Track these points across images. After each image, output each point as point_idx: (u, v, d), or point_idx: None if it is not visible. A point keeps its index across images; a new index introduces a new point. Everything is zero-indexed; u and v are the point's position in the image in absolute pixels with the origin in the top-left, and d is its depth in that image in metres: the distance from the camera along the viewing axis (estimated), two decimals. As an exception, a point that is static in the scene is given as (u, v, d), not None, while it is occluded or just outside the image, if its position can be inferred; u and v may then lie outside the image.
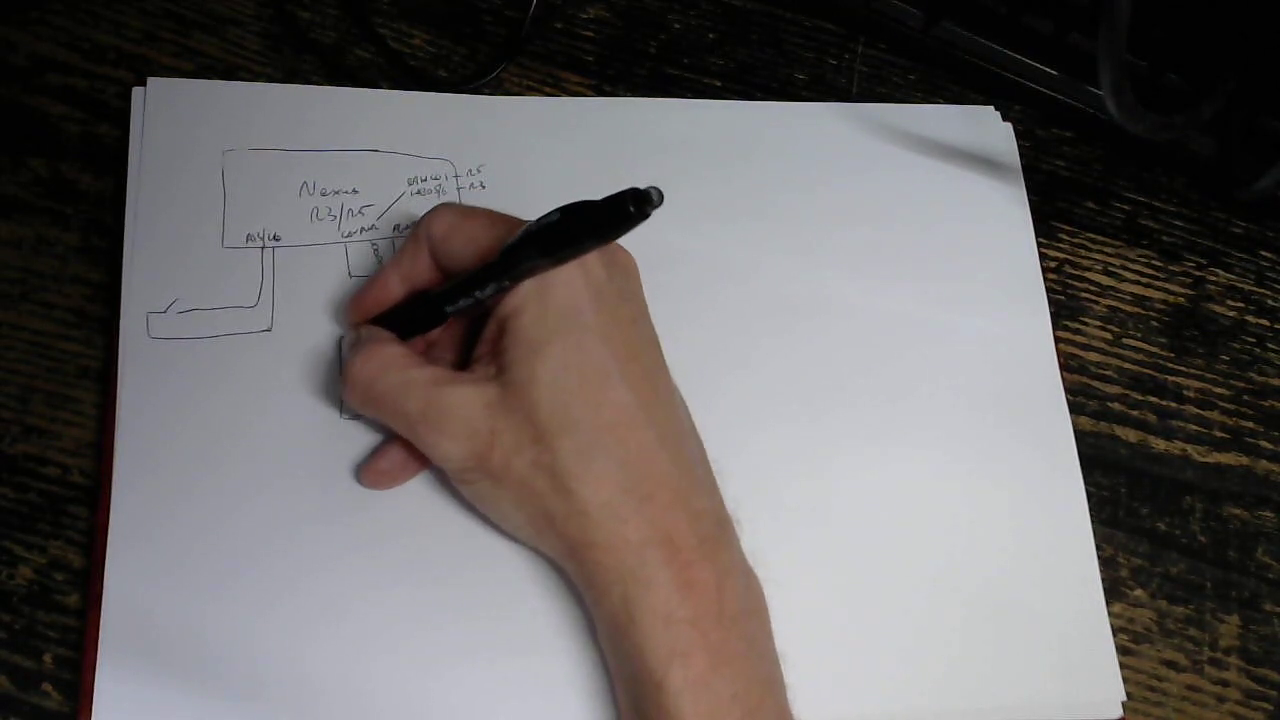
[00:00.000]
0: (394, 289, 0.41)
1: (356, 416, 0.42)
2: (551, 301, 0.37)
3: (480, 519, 0.41)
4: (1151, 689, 0.44)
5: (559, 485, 0.37)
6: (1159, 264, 0.53)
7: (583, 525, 0.37)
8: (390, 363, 0.38)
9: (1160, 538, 0.47)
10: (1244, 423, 0.49)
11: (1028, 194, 0.52)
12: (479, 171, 0.47)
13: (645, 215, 0.36)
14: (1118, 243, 0.53)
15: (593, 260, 0.38)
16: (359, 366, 0.38)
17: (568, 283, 0.38)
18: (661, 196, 0.36)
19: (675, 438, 0.38)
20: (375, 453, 0.41)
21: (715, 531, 0.38)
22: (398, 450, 0.40)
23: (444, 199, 0.46)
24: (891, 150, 0.52)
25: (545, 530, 0.38)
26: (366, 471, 0.41)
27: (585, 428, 0.37)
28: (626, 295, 0.39)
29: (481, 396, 0.37)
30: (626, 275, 0.40)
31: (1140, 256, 0.53)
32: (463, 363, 0.40)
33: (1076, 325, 0.50)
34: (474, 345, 0.40)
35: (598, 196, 0.37)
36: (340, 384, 0.39)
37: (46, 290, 0.43)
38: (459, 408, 0.37)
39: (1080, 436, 0.47)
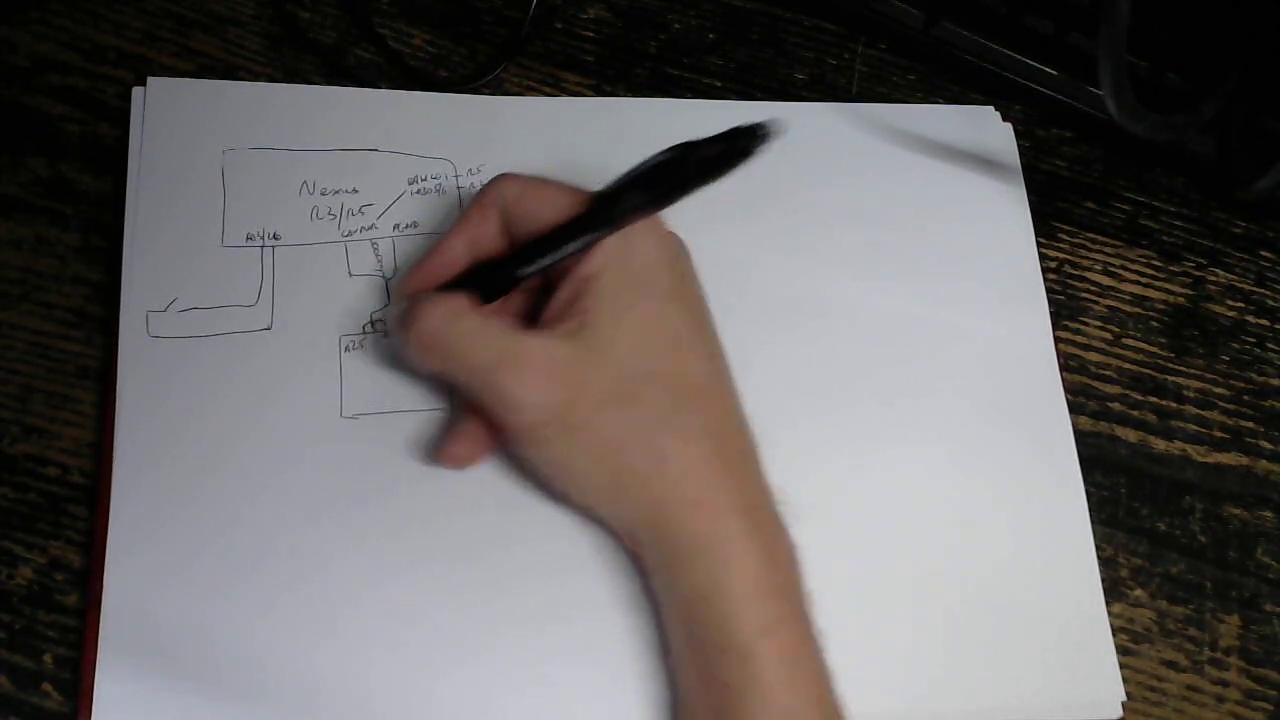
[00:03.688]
0: (459, 256, 0.40)
1: (356, 416, 0.42)
2: (633, 266, 0.38)
3: (481, 518, 0.41)
4: (1151, 689, 0.44)
5: (650, 443, 0.37)
6: (1159, 264, 0.53)
7: (674, 485, 0.36)
8: (461, 311, 0.37)
9: (1160, 538, 0.47)
10: (1244, 423, 0.49)
11: (1028, 194, 0.52)
12: (479, 171, 0.47)
13: (755, 151, 0.37)
14: (1118, 243, 0.53)
15: (666, 234, 0.39)
16: (427, 315, 0.37)
17: (646, 251, 0.38)
18: (771, 130, 0.37)
19: (741, 412, 0.39)
20: (448, 435, 0.40)
21: (781, 508, 0.38)
22: (471, 427, 0.39)
23: (445, 198, 0.46)
24: (891, 150, 0.52)
25: (627, 491, 0.37)
26: (444, 455, 0.40)
27: (671, 390, 0.37)
28: (690, 272, 0.40)
29: (564, 347, 0.37)
30: (687, 254, 0.41)
31: (1140, 256, 0.53)
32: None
33: (1076, 325, 0.50)
34: (537, 313, 0.39)
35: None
36: (401, 341, 0.38)
37: (46, 290, 0.43)
38: (540, 354, 0.37)
39: (1080, 437, 0.47)
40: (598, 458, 0.37)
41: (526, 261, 0.38)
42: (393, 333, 0.41)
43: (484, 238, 0.40)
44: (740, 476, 0.38)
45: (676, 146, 0.37)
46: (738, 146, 0.37)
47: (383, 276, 0.44)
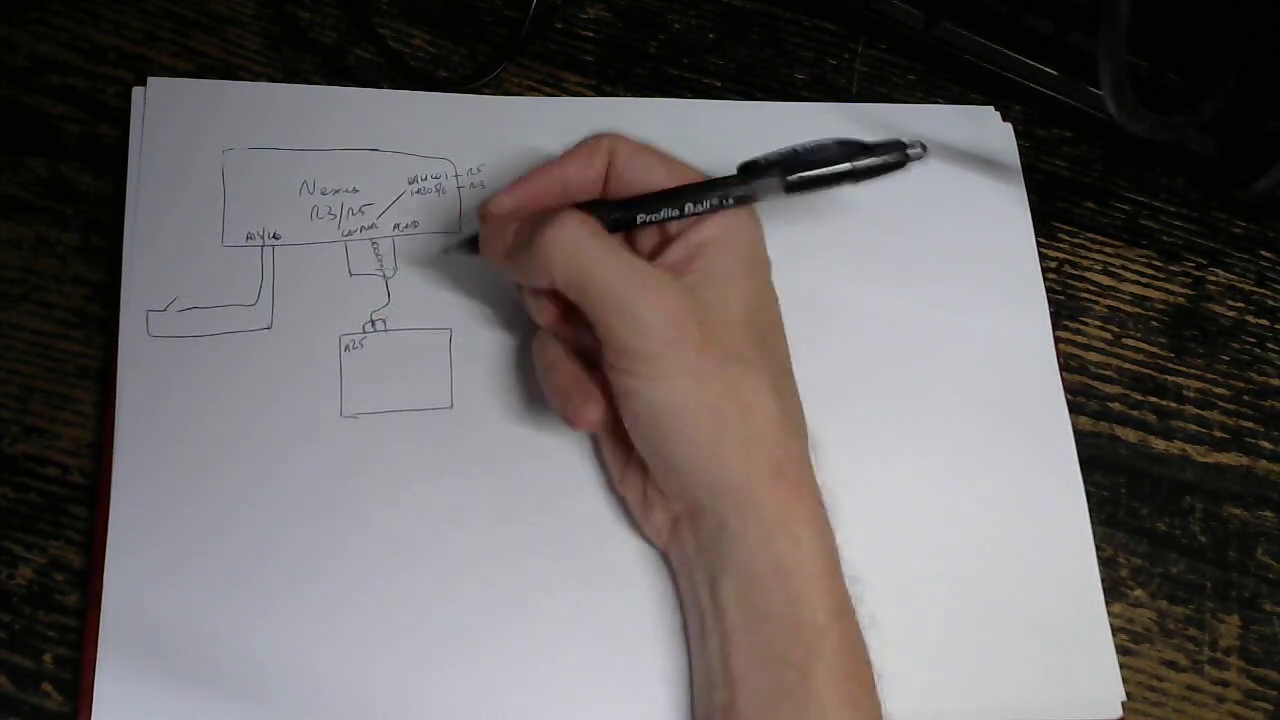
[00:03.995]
0: (554, 190, 0.39)
1: (356, 415, 0.42)
2: (742, 244, 0.39)
3: (481, 516, 0.41)
4: (1151, 689, 0.44)
5: (749, 406, 0.37)
6: (1159, 264, 0.53)
7: (764, 452, 0.37)
8: (597, 229, 0.37)
9: (1160, 538, 0.47)
10: (1244, 423, 0.49)
11: (1027, 194, 0.52)
12: (479, 171, 0.47)
13: (905, 167, 0.39)
14: (1118, 243, 0.53)
15: (760, 227, 0.40)
16: (565, 223, 0.36)
17: (753, 232, 0.40)
18: (925, 153, 0.39)
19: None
20: (577, 395, 0.39)
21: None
22: (590, 384, 0.39)
23: (445, 198, 0.46)
24: (891, 150, 0.52)
25: (722, 450, 0.36)
26: (580, 418, 0.39)
27: (769, 363, 0.38)
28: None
29: (689, 292, 0.37)
30: None
31: (1140, 256, 0.53)
32: None
33: (1076, 325, 0.50)
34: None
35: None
36: (526, 247, 0.37)
37: (46, 290, 0.43)
38: (674, 287, 0.37)
39: (1080, 437, 0.47)
40: (707, 407, 0.36)
41: (651, 210, 0.38)
42: (488, 251, 0.40)
43: (583, 181, 0.39)
44: (805, 454, 0.38)
45: (837, 141, 0.38)
46: (894, 160, 0.38)
47: (383, 276, 0.44)
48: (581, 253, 0.36)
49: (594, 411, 0.38)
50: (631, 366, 0.36)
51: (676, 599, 0.41)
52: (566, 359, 0.40)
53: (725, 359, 0.37)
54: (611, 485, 0.42)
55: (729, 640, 0.37)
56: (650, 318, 0.36)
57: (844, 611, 0.37)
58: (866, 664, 0.37)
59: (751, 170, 0.39)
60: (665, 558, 0.41)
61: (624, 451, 0.40)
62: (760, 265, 0.40)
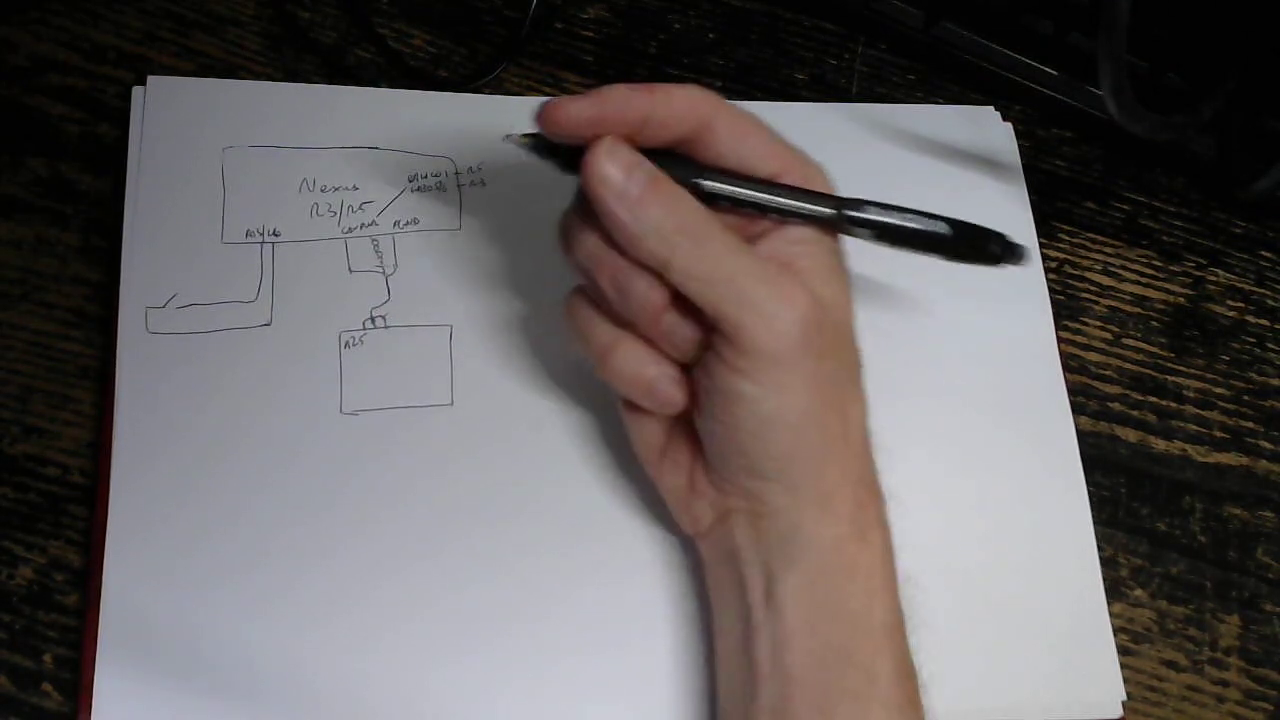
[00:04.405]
0: (630, 124, 0.35)
1: (356, 413, 0.42)
2: (832, 252, 0.37)
3: (480, 514, 0.41)
4: (1151, 689, 0.44)
5: (856, 417, 0.36)
6: (1159, 264, 0.53)
7: (864, 464, 0.36)
8: (703, 208, 0.34)
9: (1160, 538, 0.47)
10: (1244, 423, 0.49)
11: (1028, 194, 0.52)
12: (479, 169, 0.47)
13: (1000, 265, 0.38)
14: (1118, 243, 0.53)
15: None
16: (671, 190, 0.34)
17: (838, 246, 0.38)
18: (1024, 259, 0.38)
19: None
20: (660, 377, 0.36)
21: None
22: (672, 367, 0.36)
23: (445, 195, 0.46)
24: (891, 150, 0.52)
25: (824, 464, 0.35)
26: (665, 398, 0.36)
27: (855, 366, 0.37)
28: None
29: (812, 292, 0.35)
30: None
31: (1140, 256, 0.53)
32: None
33: (1076, 325, 0.50)
34: None
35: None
36: (628, 206, 0.34)
37: (46, 290, 0.43)
38: (792, 278, 0.34)
39: (1080, 436, 0.47)
40: (816, 419, 0.35)
41: (734, 184, 0.35)
42: (600, 173, 0.34)
43: (666, 130, 0.35)
44: (873, 454, 0.37)
45: (953, 221, 0.37)
46: (996, 253, 0.38)
47: (383, 273, 0.44)
48: (706, 236, 0.34)
49: (683, 395, 0.36)
50: (752, 370, 0.34)
51: (700, 592, 0.40)
52: (625, 335, 0.36)
53: (837, 365, 0.36)
54: (629, 471, 0.41)
55: (786, 640, 0.35)
56: (787, 321, 0.33)
57: (902, 614, 0.36)
58: (917, 666, 0.36)
59: (859, 205, 0.37)
60: (692, 546, 0.40)
61: (663, 436, 0.38)
62: (844, 273, 0.38)
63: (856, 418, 0.37)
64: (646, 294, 0.35)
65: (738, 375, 0.34)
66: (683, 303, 0.35)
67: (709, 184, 0.35)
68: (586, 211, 0.35)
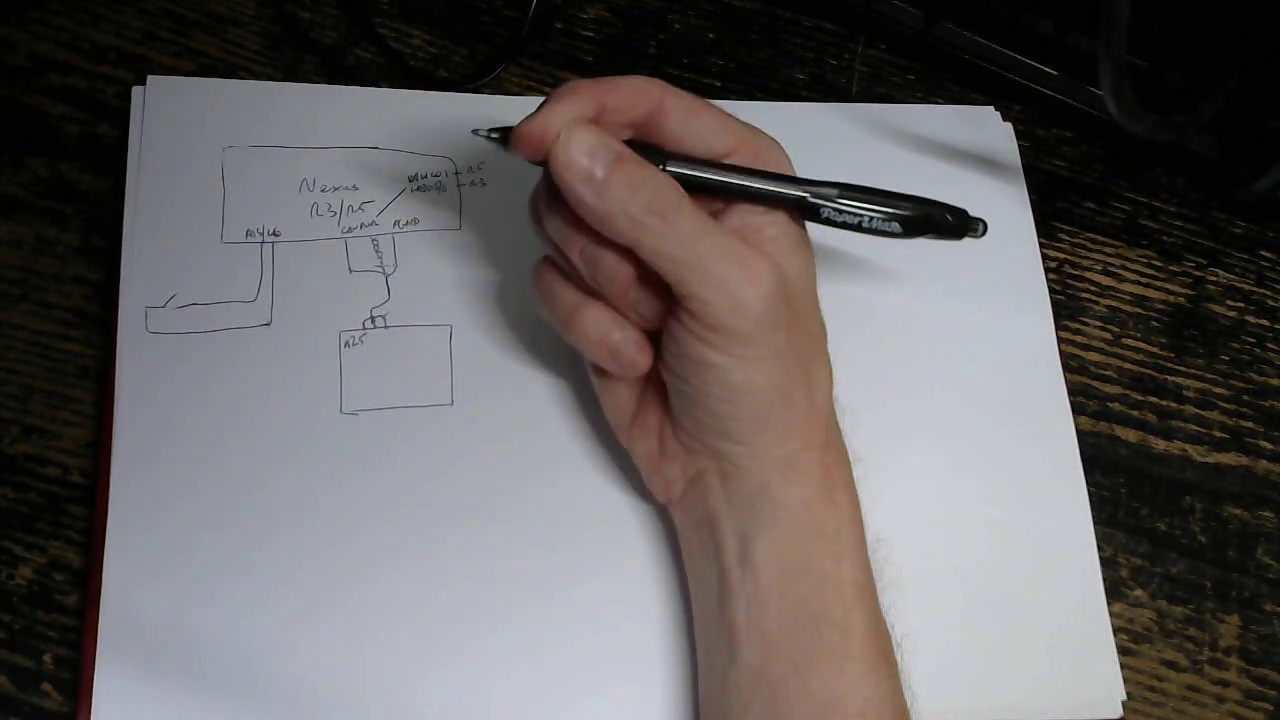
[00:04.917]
0: (587, 117, 0.36)
1: (356, 412, 0.42)
2: (800, 227, 0.38)
3: (480, 513, 0.41)
4: (1151, 689, 0.44)
5: (821, 383, 0.37)
6: (1159, 264, 0.53)
7: (818, 421, 0.37)
8: (673, 186, 0.35)
9: (1160, 538, 0.47)
10: (1244, 423, 0.49)
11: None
12: (480, 169, 0.47)
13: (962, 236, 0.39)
14: (1118, 243, 0.53)
15: None
16: (639, 170, 0.34)
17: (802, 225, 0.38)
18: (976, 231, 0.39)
19: None
20: (623, 342, 0.37)
21: None
22: (633, 327, 0.37)
23: (445, 195, 0.46)
24: (891, 150, 0.52)
25: (788, 428, 0.36)
26: (628, 363, 0.37)
27: (818, 333, 0.38)
28: None
29: (777, 266, 0.35)
30: None
31: (1140, 256, 0.53)
32: None
33: (1076, 325, 0.50)
34: None
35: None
36: (610, 186, 0.34)
37: (46, 290, 0.43)
38: (767, 263, 0.35)
39: (1080, 436, 0.47)
40: (781, 388, 0.36)
41: (699, 169, 0.36)
42: (566, 157, 0.35)
43: (622, 119, 0.36)
44: (837, 420, 0.39)
45: (909, 197, 0.38)
46: (958, 225, 0.38)
47: (383, 272, 0.44)
48: (677, 216, 0.34)
49: (648, 358, 0.37)
50: (721, 344, 0.35)
51: (680, 561, 0.40)
52: (590, 300, 0.37)
53: (802, 335, 0.37)
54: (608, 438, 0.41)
55: (761, 600, 0.36)
56: (752, 298, 0.34)
57: (872, 573, 0.37)
58: (888, 624, 0.37)
59: (820, 187, 0.37)
60: (667, 513, 0.41)
61: (633, 400, 0.39)
62: (809, 248, 0.38)
63: (821, 384, 0.38)
64: (615, 268, 0.36)
65: (706, 346, 0.35)
66: (650, 275, 0.35)
67: (674, 168, 0.36)
68: (554, 191, 0.36)
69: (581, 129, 0.35)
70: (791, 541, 0.36)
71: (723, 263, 0.34)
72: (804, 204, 0.37)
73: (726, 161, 0.37)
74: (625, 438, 0.40)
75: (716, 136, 0.37)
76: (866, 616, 0.36)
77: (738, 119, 0.38)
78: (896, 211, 0.37)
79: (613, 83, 0.36)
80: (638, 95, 0.36)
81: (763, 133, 0.38)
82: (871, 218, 0.37)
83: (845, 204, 0.37)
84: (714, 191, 0.37)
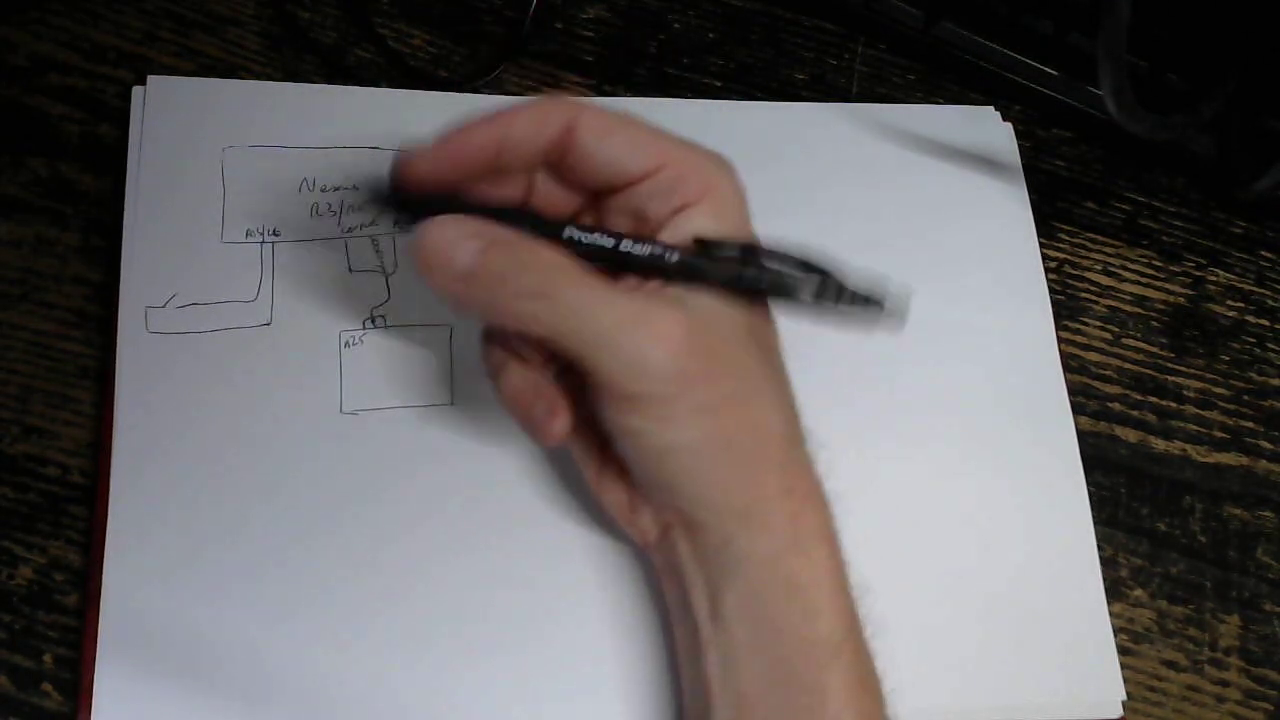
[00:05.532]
0: (487, 155, 0.34)
1: (356, 412, 0.42)
2: (730, 229, 0.35)
3: (481, 514, 0.41)
4: (1151, 689, 0.44)
5: (768, 428, 0.34)
6: (1159, 264, 0.53)
7: (772, 467, 0.34)
8: (565, 264, 0.32)
9: (1160, 538, 0.47)
10: (1244, 423, 0.49)
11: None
12: (479, 170, 0.47)
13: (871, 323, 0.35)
14: (1118, 243, 0.53)
15: (746, 201, 0.36)
16: (532, 267, 0.32)
17: (739, 215, 0.36)
18: (897, 318, 0.35)
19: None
20: (546, 409, 0.35)
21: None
22: (558, 394, 0.35)
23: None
24: (891, 150, 0.52)
25: (736, 481, 0.34)
26: (548, 434, 0.35)
27: (775, 369, 0.35)
28: None
29: (687, 311, 0.33)
30: None
31: (1140, 256, 0.53)
32: None
33: (1076, 325, 0.50)
34: None
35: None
36: (473, 279, 0.33)
37: (46, 290, 0.43)
38: (665, 316, 0.32)
39: (1080, 436, 0.47)
40: (719, 441, 0.33)
41: (594, 236, 0.34)
42: (434, 277, 0.34)
43: (526, 148, 0.34)
44: (811, 464, 0.36)
45: (818, 268, 0.35)
46: (865, 304, 0.35)
47: (383, 272, 0.44)
48: (561, 303, 0.32)
49: (561, 425, 0.35)
50: (637, 409, 0.33)
51: (660, 600, 0.40)
52: (517, 363, 0.36)
53: (735, 382, 0.34)
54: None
55: (734, 660, 0.34)
56: (657, 358, 0.32)
57: (856, 625, 0.35)
58: (878, 677, 0.35)
59: (717, 251, 0.34)
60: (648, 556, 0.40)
61: (596, 452, 0.38)
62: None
63: (774, 428, 0.35)
64: (524, 342, 0.35)
65: (621, 414, 0.33)
66: None
67: (571, 234, 0.34)
68: None
69: (437, 225, 0.33)
70: (759, 598, 0.34)
71: (618, 328, 0.32)
72: (687, 271, 0.34)
73: (641, 189, 0.35)
74: (595, 488, 0.38)
75: (632, 157, 0.35)
76: (844, 674, 0.34)
77: (670, 135, 0.35)
78: (800, 275, 0.34)
79: (512, 113, 0.34)
80: (541, 121, 0.34)
81: (698, 149, 0.35)
82: (771, 283, 0.34)
83: (746, 271, 0.34)
84: (603, 260, 0.34)
